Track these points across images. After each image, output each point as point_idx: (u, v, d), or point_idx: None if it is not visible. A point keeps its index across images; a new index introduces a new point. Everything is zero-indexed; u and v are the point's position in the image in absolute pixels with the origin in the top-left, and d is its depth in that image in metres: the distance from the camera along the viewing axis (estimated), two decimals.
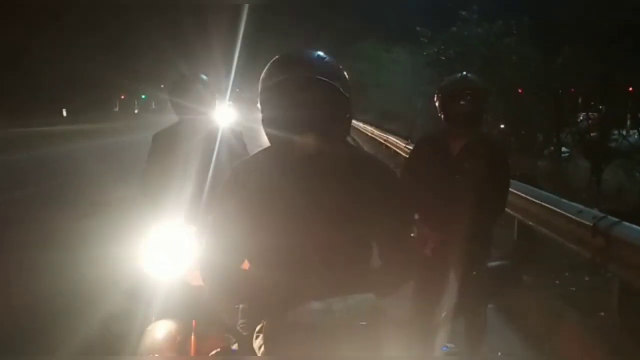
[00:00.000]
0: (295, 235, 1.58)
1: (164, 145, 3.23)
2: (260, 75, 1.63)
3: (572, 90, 14.12)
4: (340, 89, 1.58)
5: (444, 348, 1.26)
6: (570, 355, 3.61)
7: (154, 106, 55.96)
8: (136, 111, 55.53)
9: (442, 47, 16.54)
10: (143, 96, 57.62)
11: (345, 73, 1.65)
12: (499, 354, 1.15)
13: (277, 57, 1.63)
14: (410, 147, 12.39)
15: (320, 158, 1.59)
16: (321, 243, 1.57)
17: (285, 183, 1.61)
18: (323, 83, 1.55)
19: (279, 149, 1.61)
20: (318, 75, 1.55)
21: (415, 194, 2.88)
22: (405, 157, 13.02)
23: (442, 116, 3.08)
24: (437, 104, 3.12)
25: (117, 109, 54.50)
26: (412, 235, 1.78)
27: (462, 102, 2.96)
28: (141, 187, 3.25)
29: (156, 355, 1.38)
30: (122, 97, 56.30)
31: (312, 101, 1.54)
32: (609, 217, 3.99)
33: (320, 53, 1.63)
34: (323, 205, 1.59)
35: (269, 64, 1.63)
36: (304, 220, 1.58)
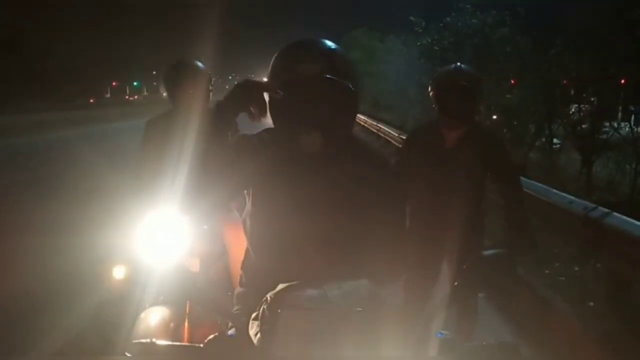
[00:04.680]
0: (291, 221, 1.60)
1: (158, 133, 3.22)
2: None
3: (565, 81, 14.17)
4: (350, 86, 1.58)
5: (439, 334, 1.27)
6: (559, 344, 3.65)
7: (145, 92, 55.72)
8: (131, 98, 55.46)
9: (436, 37, 16.53)
10: (135, 83, 57.29)
11: (352, 66, 1.64)
12: (493, 340, 1.17)
13: (289, 45, 1.62)
14: (403, 137, 12.43)
15: (323, 151, 1.59)
16: (317, 231, 1.59)
17: (286, 170, 1.61)
18: (333, 82, 1.54)
19: (284, 139, 1.61)
20: (328, 74, 1.54)
21: (410, 184, 2.89)
22: (397, 147, 13.04)
23: (436, 108, 3.08)
24: (431, 95, 3.11)
25: (108, 96, 54.20)
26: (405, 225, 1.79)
27: (456, 94, 2.96)
28: (135, 174, 3.24)
29: (152, 340, 1.38)
30: (114, 84, 55.96)
31: (320, 98, 1.54)
32: (600, 207, 4.02)
33: (331, 45, 1.61)
34: (320, 192, 1.60)
35: (280, 52, 1.62)
36: (301, 207, 1.59)
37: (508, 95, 14.73)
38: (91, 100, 48.45)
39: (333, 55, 1.60)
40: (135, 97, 54.88)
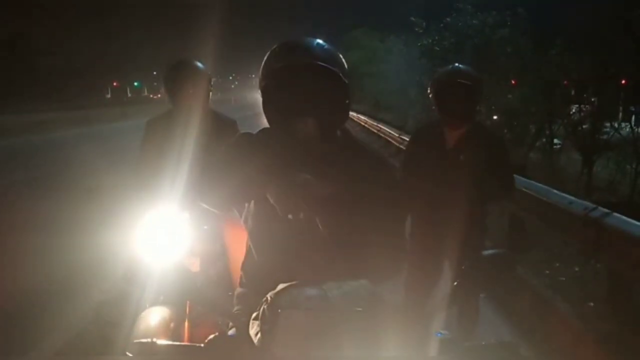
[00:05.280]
0: (292, 221, 1.59)
1: (158, 132, 3.22)
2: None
3: (565, 82, 14.17)
4: (340, 74, 1.60)
5: (438, 334, 1.27)
6: (559, 343, 3.65)
7: (146, 92, 55.77)
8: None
9: (437, 37, 16.53)
10: (136, 83, 57.31)
11: (344, 60, 1.68)
12: (493, 340, 1.17)
13: (278, 44, 1.66)
14: (404, 137, 12.45)
15: (319, 143, 1.60)
16: (317, 230, 1.58)
17: (284, 167, 1.61)
18: (322, 69, 1.57)
19: (280, 132, 1.63)
20: (317, 61, 1.57)
21: (412, 184, 2.90)
22: (398, 147, 13.03)
23: (436, 108, 3.09)
24: (431, 96, 3.12)
25: (109, 96, 54.20)
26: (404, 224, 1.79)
27: (454, 94, 2.97)
28: (135, 174, 3.25)
29: (153, 339, 1.38)
30: (115, 84, 55.94)
31: (312, 86, 1.57)
32: (600, 208, 4.02)
33: (319, 40, 1.66)
34: (324, 194, 1.59)
35: (270, 51, 1.65)
36: (301, 207, 1.59)
37: (509, 96, 14.72)
38: (108, 96, 49.30)
39: (324, 47, 1.63)
40: (158, 95, 55.15)
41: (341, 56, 1.68)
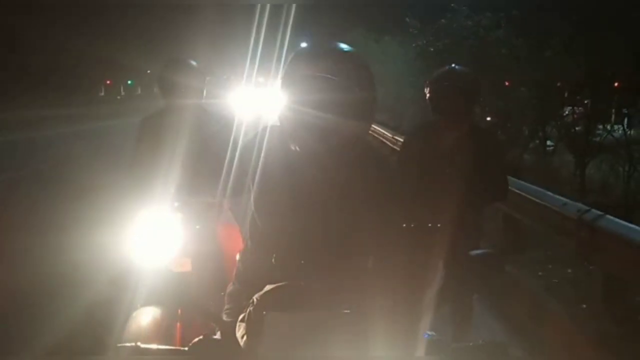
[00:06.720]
0: (292, 220, 1.58)
1: (152, 130, 3.21)
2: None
3: (559, 84, 14.19)
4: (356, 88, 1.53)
5: (426, 335, 1.27)
6: (553, 345, 3.66)
7: (139, 92, 55.59)
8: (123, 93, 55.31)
9: (431, 38, 16.54)
10: (129, 82, 57.10)
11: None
12: (481, 341, 1.17)
13: (306, 48, 1.60)
14: (397, 138, 12.45)
15: (343, 149, 1.56)
16: (316, 231, 1.57)
17: (286, 170, 1.60)
18: (332, 81, 1.51)
19: (287, 140, 1.58)
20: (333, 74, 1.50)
21: (408, 185, 2.89)
22: (392, 148, 13.03)
23: (432, 109, 3.08)
24: (427, 97, 3.10)
25: (102, 94, 53.95)
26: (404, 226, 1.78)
27: (451, 96, 2.95)
28: (128, 172, 3.23)
29: (137, 343, 1.37)
30: (108, 82, 55.66)
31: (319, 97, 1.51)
32: (593, 210, 4.03)
33: (344, 47, 1.59)
34: (325, 195, 1.58)
35: (298, 54, 1.59)
36: (301, 207, 1.58)
37: (503, 97, 14.74)
38: (100, 94, 49.14)
39: (341, 56, 1.55)
40: None
41: (363, 66, 1.59)
